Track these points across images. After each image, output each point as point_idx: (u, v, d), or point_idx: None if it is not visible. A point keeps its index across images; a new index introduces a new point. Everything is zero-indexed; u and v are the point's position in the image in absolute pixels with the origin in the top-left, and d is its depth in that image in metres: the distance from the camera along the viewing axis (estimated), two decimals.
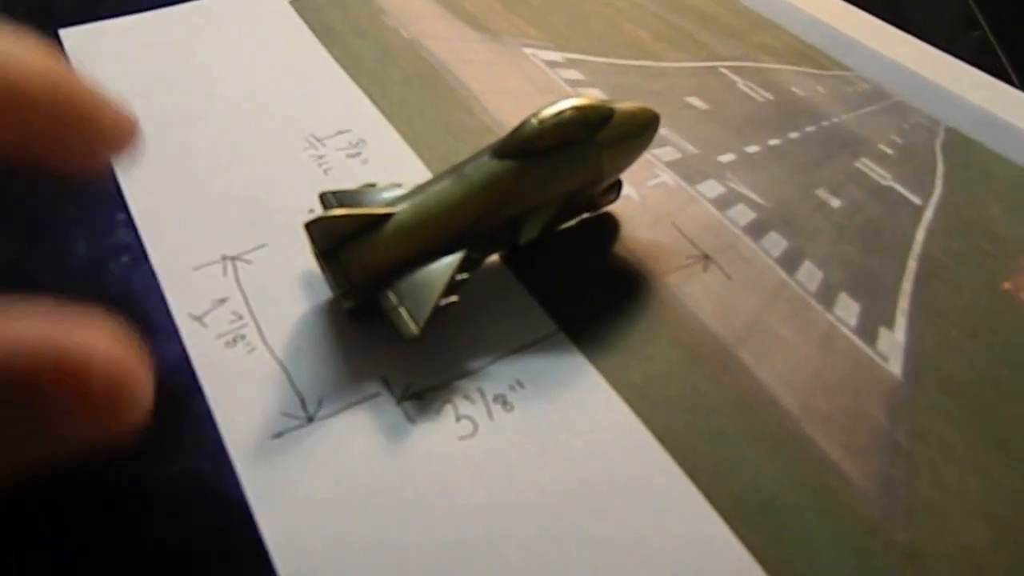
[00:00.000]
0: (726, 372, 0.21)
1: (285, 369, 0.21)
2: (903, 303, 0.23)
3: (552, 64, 0.32)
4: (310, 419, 0.20)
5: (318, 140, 0.28)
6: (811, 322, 0.22)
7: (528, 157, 0.22)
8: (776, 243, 0.25)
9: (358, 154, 0.27)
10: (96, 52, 0.32)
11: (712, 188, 0.27)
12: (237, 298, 0.22)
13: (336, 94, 0.30)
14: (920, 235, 0.26)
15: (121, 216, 0.25)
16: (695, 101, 0.31)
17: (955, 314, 0.23)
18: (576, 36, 0.34)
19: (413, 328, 0.20)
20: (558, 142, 0.22)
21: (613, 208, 0.26)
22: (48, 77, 0.15)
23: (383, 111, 0.29)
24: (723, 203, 0.26)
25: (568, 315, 0.22)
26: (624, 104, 0.23)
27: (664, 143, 0.28)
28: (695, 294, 0.23)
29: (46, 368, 0.12)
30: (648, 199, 0.26)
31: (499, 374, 0.21)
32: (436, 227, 0.21)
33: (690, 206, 0.26)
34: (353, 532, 0.18)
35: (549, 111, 0.22)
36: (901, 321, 0.23)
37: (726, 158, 0.28)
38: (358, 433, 0.19)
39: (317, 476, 0.18)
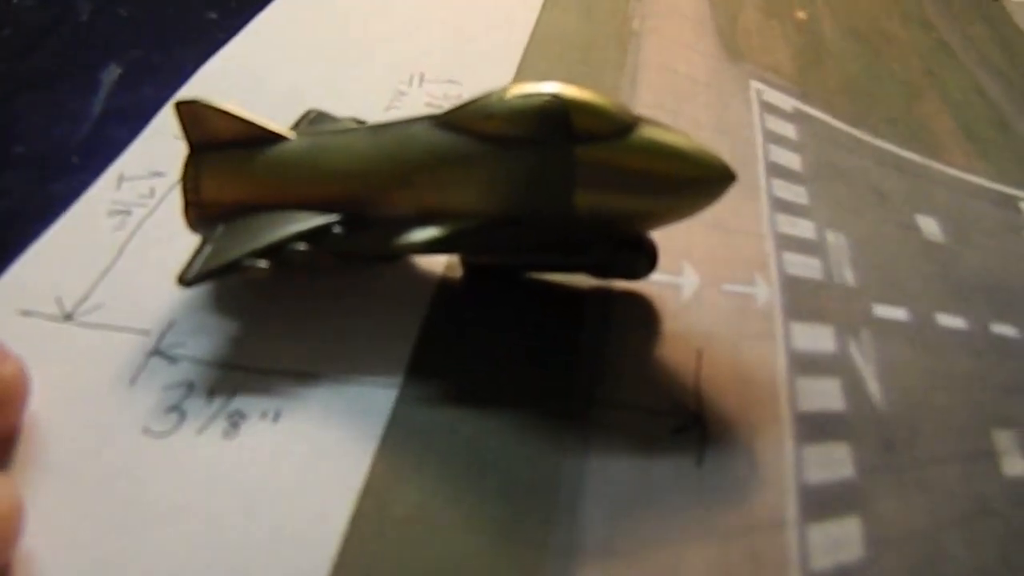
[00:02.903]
0: (520, 542, 0.12)
1: (117, 260, 0.17)
2: None
3: (770, 108, 0.23)
4: (67, 317, 0.16)
5: (419, 80, 0.24)
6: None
7: (471, 138, 0.15)
8: (835, 460, 0.14)
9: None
10: None
11: (817, 341, 0.16)
12: (169, 181, 0.20)
13: (492, 48, 0.25)
14: None
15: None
16: (928, 224, 0.19)
17: None
18: (840, 91, 0.24)
19: (185, 274, 0.15)
20: (516, 134, 0.14)
21: (639, 287, 0.17)
22: None
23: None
24: (805, 368, 0.16)
25: (431, 380, 0.15)
26: (671, 134, 0.14)
27: (815, 252, 0.18)
28: (610, 457, 0.14)
29: None
30: (704, 305, 0.17)
31: (271, 391, 0.15)
32: (315, 175, 0.15)
33: (752, 345, 0.16)
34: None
35: (519, 89, 0.15)
36: None
37: (886, 312, 0.17)
38: (87, 359, 0.15)
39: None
